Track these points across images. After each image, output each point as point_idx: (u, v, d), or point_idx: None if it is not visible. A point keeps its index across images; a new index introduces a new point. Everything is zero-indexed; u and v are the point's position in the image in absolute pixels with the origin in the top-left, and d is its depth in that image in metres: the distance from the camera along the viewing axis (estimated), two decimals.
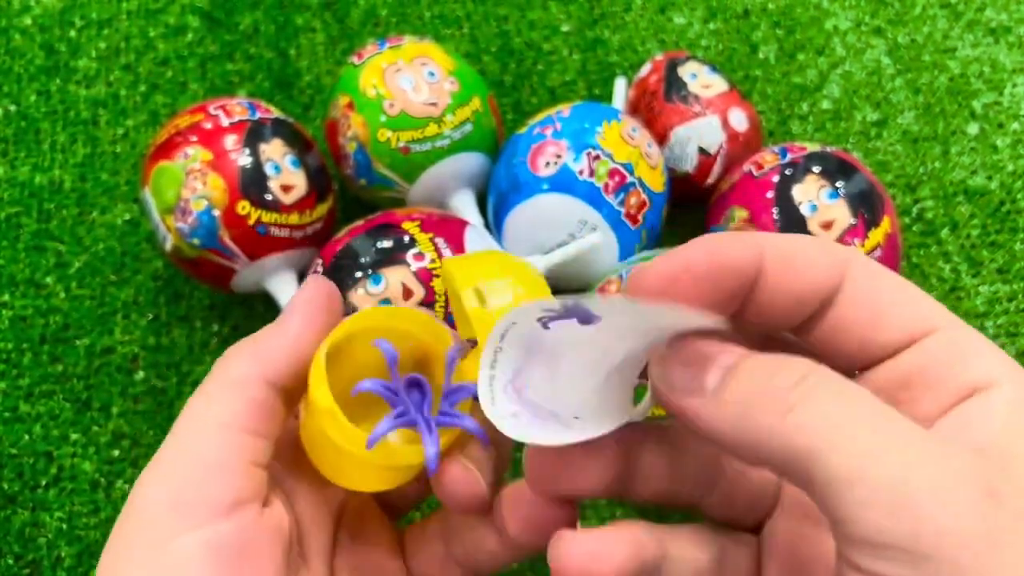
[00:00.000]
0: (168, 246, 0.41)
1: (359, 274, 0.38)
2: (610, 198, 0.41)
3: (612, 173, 0.41)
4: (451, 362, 0.23)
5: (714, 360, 0.18)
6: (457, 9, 0.56)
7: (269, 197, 0.40)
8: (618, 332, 0.19)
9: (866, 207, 0.40)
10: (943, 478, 0.15)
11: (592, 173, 0.41)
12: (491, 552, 0.24)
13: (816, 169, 0.40)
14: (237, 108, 0.42)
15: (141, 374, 0.45)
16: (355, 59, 0.45)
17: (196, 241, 0.40)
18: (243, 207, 0.40)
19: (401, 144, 0.42)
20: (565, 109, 0.43)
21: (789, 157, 0.42)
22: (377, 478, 0.23)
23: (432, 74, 0.43)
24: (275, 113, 0.43)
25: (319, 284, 0.25)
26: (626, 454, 0.21)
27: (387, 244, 0.38)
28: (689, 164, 0.46)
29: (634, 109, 0.48)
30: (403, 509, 0.29)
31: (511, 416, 0.20)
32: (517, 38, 0.55)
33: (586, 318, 0.19)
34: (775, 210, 0.40)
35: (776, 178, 0.41)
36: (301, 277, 0.43)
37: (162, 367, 0.45)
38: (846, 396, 0.17)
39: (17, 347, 0.45)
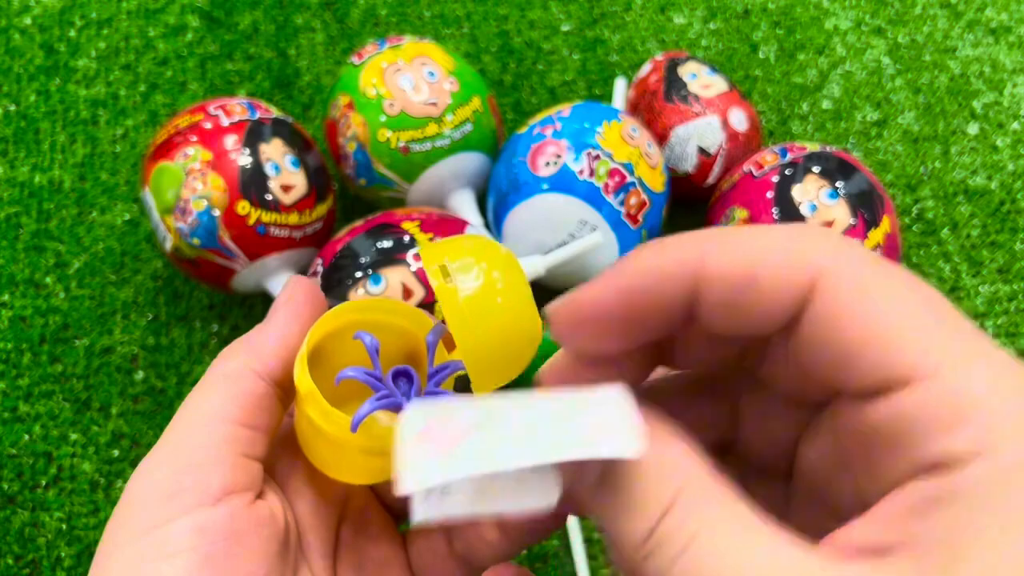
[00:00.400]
0: (168, 246, 0.41)
1: (359, 274, 0.38)
2: (610, 198, 0.41)
3: (612, 173, 0.41)
4: (432, 345, 0.24)
5: None
6: (457, 9, 0.56)
7: (269, 197, 0.40)
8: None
9: (866, 207, 0.40)
10: None
11: (592, 173, 0.41)
12: (491, 544, 0.24)
13: (816, 169, 0.40)
14: (237, 108, 0.42)
15: (141, 374, 0.45)
16: (355, 59, 0.45)
17: (196, 241, 0.40)
18: (243, 207, 0.40)
19: (401, 144, 0.42)
20: (565, 109, 0.43)
21: (789, 157, 0.41)
22: (368, 468, 0.24)
23: (432, 74, 0.43)
24: (275, 113, 0.43)
25: (299, 282, 0.25)
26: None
27: (387, 244, 0.38)
28: (689, 164, 0.45)
29: (634, 109, 0.48)
30: (405, 511, 0.29)
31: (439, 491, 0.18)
32: (517, 38, 0.55)
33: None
34: (775, 210, 0.40)
35: (776, 178, 0.41)
36: None
37: (162, 367, 0.45)
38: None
39: (17, 347, 0.45)
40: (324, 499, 0.25)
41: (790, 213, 0.40)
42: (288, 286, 0.25)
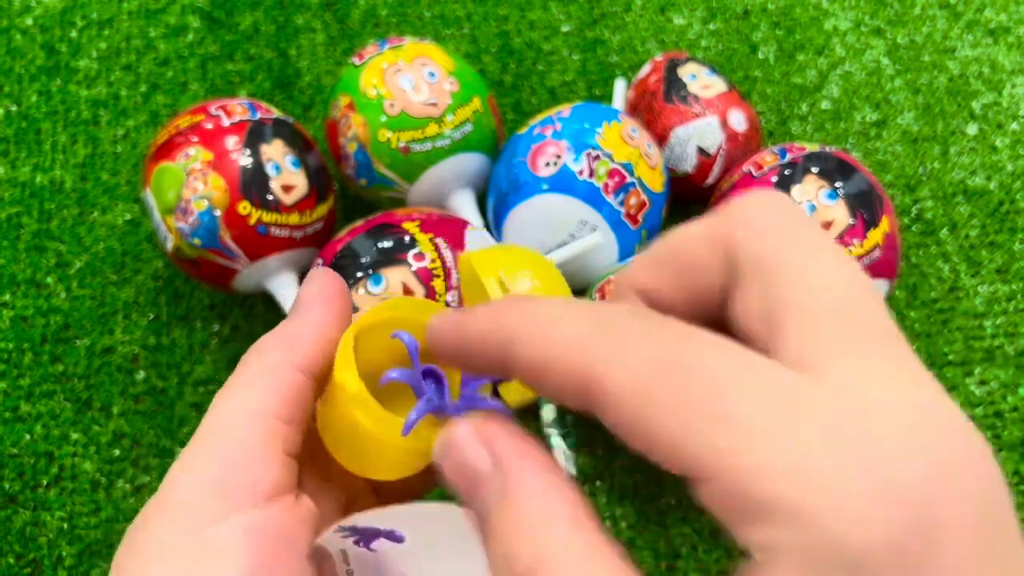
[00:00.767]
0: (169, 246, 0.41)
1: (359, 274, 0.38)
2: (610, 198, 0.41)
3: (612, 173, 0.41)
4: None
5: None
6: (457, 9, 0.56)
7: (270, 197, 0.40)
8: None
9: (865, 207, 0.40)
10: None
11: (592, 173, 0.41)
12: None
13: (815, 169, 0.41)
14: (238, 108, 0.42)
15: (141, 374, 0.45)
16: (356, 59, 0.45)
17: (197, 241, 0.40)
18: (244, 207, 0.40)
19: (401, 144, 0.42)
20: (565, 109, 0.43)
21: (788, 157, 0.42)
22: (399, 464, 0.24)
23: (432, 74, 0.43)
24: (276, 113, 0.43)
25: (326, 274, 0.25)
26: None
27: (387, 244, 0.38)
28: (689, 164, 0.46)
29: (634, 109, 0.48)
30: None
31: None
32: (517, 38, 0.55)
33: (389, 535, 0.17)
34: None
35: (775, 178, 0.41)
36: (302, 277, 0.43)
37: (162, 367, 0.45)
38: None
39: (18, 347, 0.45)
40: (332, 496, 0.25)
41: None
42: (314, 278, 0.25)
